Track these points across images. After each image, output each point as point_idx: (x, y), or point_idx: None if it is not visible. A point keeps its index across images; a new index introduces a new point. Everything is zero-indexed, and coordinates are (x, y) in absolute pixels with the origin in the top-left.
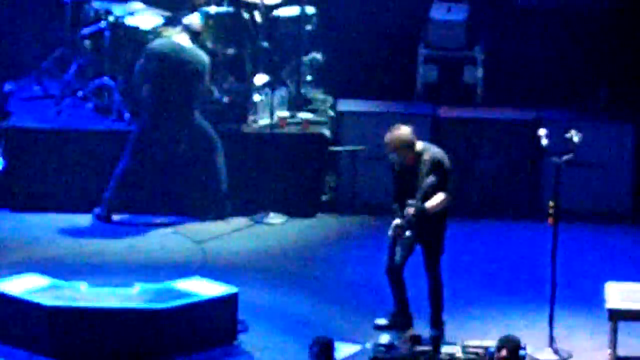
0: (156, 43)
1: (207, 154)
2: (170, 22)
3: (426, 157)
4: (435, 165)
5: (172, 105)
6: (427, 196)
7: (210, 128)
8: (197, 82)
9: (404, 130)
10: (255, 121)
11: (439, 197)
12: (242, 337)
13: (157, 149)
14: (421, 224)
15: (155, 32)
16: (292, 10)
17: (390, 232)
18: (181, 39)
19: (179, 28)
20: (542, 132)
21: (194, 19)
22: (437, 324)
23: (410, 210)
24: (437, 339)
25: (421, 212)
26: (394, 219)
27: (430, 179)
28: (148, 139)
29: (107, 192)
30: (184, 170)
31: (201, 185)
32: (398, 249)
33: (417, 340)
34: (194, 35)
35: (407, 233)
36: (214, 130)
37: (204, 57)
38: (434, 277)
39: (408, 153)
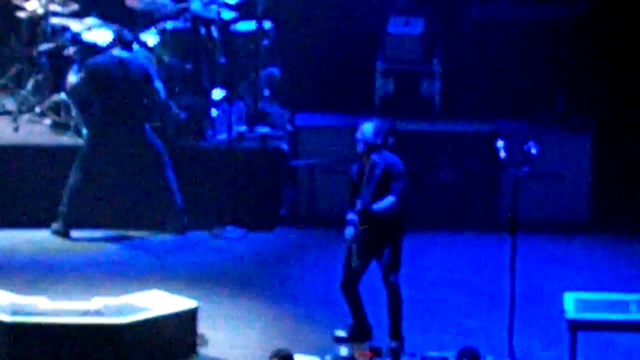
0: (96, 59)
1: (156, 169)
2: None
3: (380, 160)
4: (388, 168)
5: (120, 120)
6: (377, 199)
7: (158, 142)
8: (145, 88)
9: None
10: (213, 136)
11: (387, 200)
12: (202, 351)
13: (107, 164)
14: (375, 237)
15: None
16: (249, 25)
17: (346, 237)
18: (119, 51)
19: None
20: (499, 143)
21: (147, 36)
22: (396, 336)
23: (357, 209)
24: (397, 351)
25: (366, 211)
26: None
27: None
28: (95, 155)
29: (62, 207)
30: (136, 185)
31: (156, 200)
32: (353, 264)
33: (376, 352)
34: (127, 46)
35: (351, 231)
36: (167, 144)
37: (145, 60)
38: (393, 290)
39: (373, 152)
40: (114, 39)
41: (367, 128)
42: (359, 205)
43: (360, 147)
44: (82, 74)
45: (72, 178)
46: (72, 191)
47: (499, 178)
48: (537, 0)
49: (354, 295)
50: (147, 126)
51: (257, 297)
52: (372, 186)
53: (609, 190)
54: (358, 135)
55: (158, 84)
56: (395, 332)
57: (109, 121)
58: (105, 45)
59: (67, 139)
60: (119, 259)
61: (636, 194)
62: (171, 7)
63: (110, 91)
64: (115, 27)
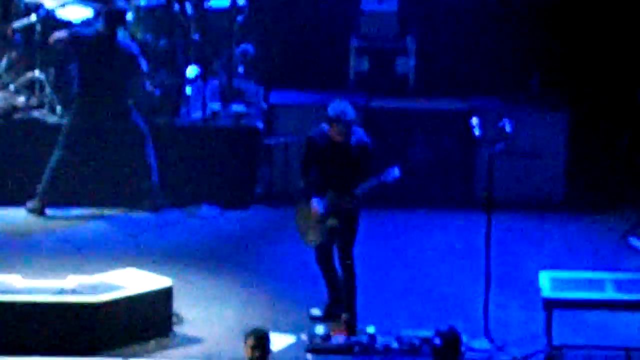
0: (87, 29)
1: (138, 146)
2: (100, 13)
3: (355, 137)
4: (364, 148)
5: (103, 96)
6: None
7: (141, 120)
8: (131, 72)
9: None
10: (187, 114)
11: (370, 181)
12: (177, 329)
13: (89, 141)
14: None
15: (86, 24)
16: (223, 2)
17: (318, 210)
18: (108, 29)
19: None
20: (474, 121)
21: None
22: (349, 309)
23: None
24: (350, 321)
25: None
26: (302, 195)
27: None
28: (78, 132)
29: (41, 185)
30: (115, 162)
31: (133, 178)
32: (325, 236)
33: (352, 328)
34: (123, 25)
35: (322, 205)
36: (145, 122)
37: (136, 47)
38: (348, 265)
39: (350, 130)
40: (109, 17)
41: (349, 108)
42: (359, 188)
43: (351, 129)
44: (66, 32)
45: (54, 157)
46: (53, 170)
47: (474, 156)
48: None
49: (330, 269)
50: (130, 104)
51: (232, 276)
52: (352, 166)
53: (584, 168)
54: (346, 116)
55: (144, 65)
56: (349, 305)
57: (92, 98)
58: (91, 19)
59: (41, 117)
60: (93, 237)
61: (611, 172)
62: None
63: (94, 66)
64: (89, 3)
